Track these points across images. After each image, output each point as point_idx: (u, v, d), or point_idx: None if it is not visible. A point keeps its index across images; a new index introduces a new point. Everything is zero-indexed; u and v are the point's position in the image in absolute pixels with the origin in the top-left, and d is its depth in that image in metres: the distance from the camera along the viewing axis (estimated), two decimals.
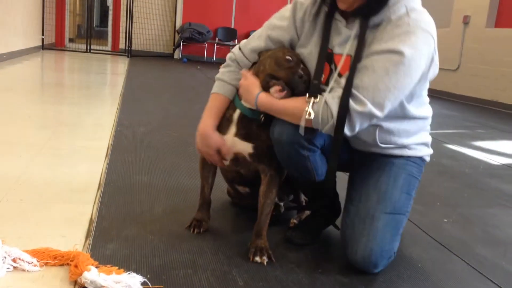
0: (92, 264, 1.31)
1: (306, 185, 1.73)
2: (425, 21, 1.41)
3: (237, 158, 1.59)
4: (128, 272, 1.30)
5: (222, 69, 1.68)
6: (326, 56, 1.52)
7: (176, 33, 11.62)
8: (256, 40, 1.64)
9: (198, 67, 9.68)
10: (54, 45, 10.41)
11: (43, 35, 9.60)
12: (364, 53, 1.43)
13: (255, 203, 1.64)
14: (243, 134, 1.56)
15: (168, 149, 2.81)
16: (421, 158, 1.66)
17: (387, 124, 1.52)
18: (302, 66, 1.51)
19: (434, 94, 8.19)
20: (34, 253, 1.36)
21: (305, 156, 1.50)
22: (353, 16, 1.46)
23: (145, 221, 1.73)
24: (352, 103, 1.37)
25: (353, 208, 1.55)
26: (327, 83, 1.52)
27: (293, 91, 1.46)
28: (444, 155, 3.50)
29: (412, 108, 1.55)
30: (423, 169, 1.67)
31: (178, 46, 11.59)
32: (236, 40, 11.92)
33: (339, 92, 1.40)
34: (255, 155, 1.57)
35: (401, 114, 1.52)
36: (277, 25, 1.63)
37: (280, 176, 1.62)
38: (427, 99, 1.63)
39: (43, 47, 9.58)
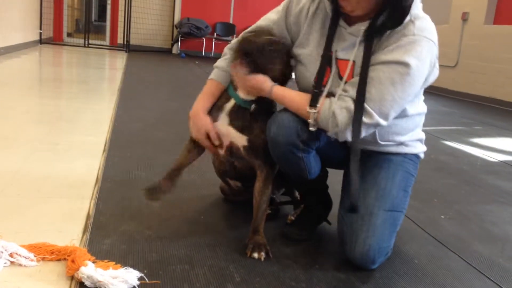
0: (89, 259, 1.31)
1: (298, 181, 1.74)
2: (429, 29, 1.42)
3: (232, 148, 1.60)
4: (125, 267, 1.31)
5: (220, 59, 1.72)
6: (329, 59, 1.53)
7: (175, 28, 11.59)
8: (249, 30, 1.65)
9: (196, 62, 9.66)
10: (52, 39, 10.37)
11: (41, 29, 9.55)
12: (370, 61, 1.43)
13: (249, 198, 1.65)
14: (237, 125, 1.56)
15: (166, 145, 2.81)
16: (416, 155, 1.68)
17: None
18: (266, 37, 1.49)
19: (432, 91, 8.19)
20: (31, 248, 1.36)
21: (299, 157, 1.51)
22: (371, 35, 1.44)
23: (143, 217, 1.73)
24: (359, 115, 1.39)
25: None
26: (325, 85, 1.53)
27: (256, 64, 1.47)
28: (442, 151, 3.50)
29: (411, 108, 1.57)
30: (418, 166, 1.68)
31: (177, 41, 11.56)
32: (235, 36, 11.89)
33: (347, 102, 1.41)
34: (250, 149, 1.57)
35: (401, 113, 1.53)
36: (268, 17, 1.65)
37: (274, 172, 1.63)
38: (422, 96, 1.64)
39: (41, 41, 9.55)
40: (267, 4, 11.87)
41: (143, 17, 11.03)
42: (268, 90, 1.49)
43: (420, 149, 1.68)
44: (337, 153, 1.64)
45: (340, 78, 1.49)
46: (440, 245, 1.79)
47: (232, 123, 1.56)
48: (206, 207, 1.90)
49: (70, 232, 1.55)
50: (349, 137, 1.42)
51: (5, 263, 1.29)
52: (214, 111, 1.60)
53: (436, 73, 1.50)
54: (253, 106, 1.54)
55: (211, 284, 1.33)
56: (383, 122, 1.41)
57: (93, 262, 1.30)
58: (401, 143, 1.61)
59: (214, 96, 1.63)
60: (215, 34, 11.76)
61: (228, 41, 11.87)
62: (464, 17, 8.06)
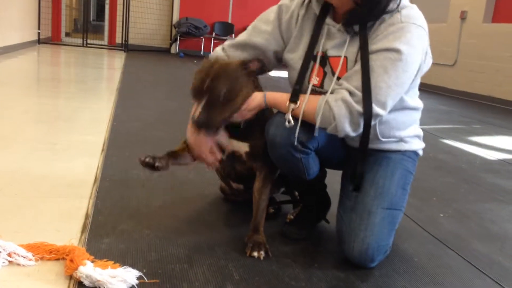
0: (88, 259, 1.31)
1: (296, 181, 1.74)
2: (416, 16, 1.42)
3: (234, 155, 1.60)
4: (124, 267, 1.30)
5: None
6: (320, 60, 1.53)
7: (173, 28, 11.58)
8: (239, 40, 1.67)
9: (195, 61, 9.65)
10: (51, 39, 10.36)
11: (39, 29, 9.53)
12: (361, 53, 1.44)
13: (249, 198, 1.65)
14: (237, 135, 1.56)
15: (165, 144, 2.80)
16: (415, 153, 1.67)
17: (386, 116, 1.52)
18: (199, 106, 1.43)
19: (431, 90, 8.20)
20: (30, 247, 1.35)
21: (298, 158, 1.51)
22: (349, 24, 1.45)
23: (141, 216, 1.73)
24: (354, 104, 1.38)
25: (349, 203, 1.55)
26: (321, 86, 1.54)
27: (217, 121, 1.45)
28: (441, 150, 3.50)
29: (409, 99, 1.56)
30: (416, 164, 1.68)
31: (175, 40, 11.55)
32: (233, 35, 11.89)
33: (342, 93, 1.39)
34: (251, 154, 1.58)
35: (399, 106, 1.53)
36: (262, 29, 1.63)
37: (274, 173, 1.63)
38: (418, 92, 1.64)
39: (39, 41, 9.53)
40: (265, 3, 11.88)
41: (142, 17, 11.02)
42: (263, 103, 1.50)
43: (418, 145, 1.68)
44: (336, 153, 1.64)
45: (333, 74, 1.50)
46: (440, 244, 1.79)
47: (232, 135, 1.57)
48: (206, 207, 1.89)
49: (69, 232, 1.54)
50: (348, 129, 1.39)
51: (3, 262, 1.29)
52: None
53: (429, 61, 1.50)
54: (242, 123, 1.54)
55: (210, 283, 1.33)
56: (380, 111, 1.39)
57: (92, 262, 1.30)
58: (401, 139, 1.61)
59: None
60: (214, 33, 11.75)
61: (226, 40, 11.88)
62: (463, 16, 8.06)
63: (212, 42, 11.83)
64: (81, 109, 3.59)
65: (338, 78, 1.48)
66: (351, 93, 1.38)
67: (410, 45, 1.38)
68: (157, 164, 1.47)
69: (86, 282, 1.23)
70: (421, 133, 1.70)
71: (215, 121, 1.41)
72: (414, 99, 1.60)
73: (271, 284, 1.36)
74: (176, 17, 11.55)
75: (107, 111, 3.62)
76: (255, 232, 1.57)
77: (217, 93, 1.40)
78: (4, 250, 1.31)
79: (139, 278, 1.28)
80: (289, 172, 1.60)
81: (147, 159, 1.46)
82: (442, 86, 8.29)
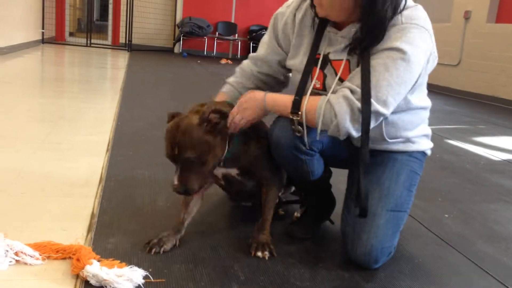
0: (94, 258, 1.31)
1: (301, 181, 1.74)
2: (418, 17, 1.40)
3: (227, 177, 1.60)
4: (130, 266, 1.31)
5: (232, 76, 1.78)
6: (322, 62, 1.52)
7: (176, 27, 11.59)
8: (253, 54, 1.73)
9: (198, 61, 9.66)
10: (54, 39, 10.39)
11: (43, 29, 9.57)
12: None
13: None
14: (223, 165, 1.54)
15: None
16: (423, 153, 1.66)
17: (392, 117, 1.51)
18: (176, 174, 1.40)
19: (435, 90, 8.18)
20: (36, 246, 1.36)
21: (302, 160, 1.51)
22: (354, 49, 1.43)
23: (146, 215, 1.73)
24: (356, 101, 1.35)
25: (354, 203, 1.54)
26: (324, 89, 1.54)
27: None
28: (445, 150, 3.50)
29: (415, 99, 1.54)
30: (423, 164, 1.67)
31: (178, 40, 11.57)
32: (236, 35, 11.89)
33: (343, 91, 1.37)
34: (243, 174, 1.57)
35: (404, 106, 1.52)
36: (264, 40, 1.68)
37: (279, 177, 1.63)
38: (426, 91, 1.62)
39: (43, 41, 9.56)
40: (269, 3, 11.88)
41: (145, 17, 11.04)
42: (264, 105, 1.48)
43: (426, 145, 1.66)
44: (341, 153, 1.63)
45: (341, 80, 1.49)
46: (444, 244, 1.79)
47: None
48: (210, 207, 1.90)
49: (75, 231, 1.55)
50: (349, 126, 1.35)
51: (10, 261, 1.30)
52: None
53: (435, 61, 1.48)
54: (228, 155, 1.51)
55: (215, 283, 1.33)
56: (382, 109, 1.36)
57: (98, 261, 1.30)
58: (408, 139, 1.60)
59: None
60: (217, 33, 11.76)
61: (229, 40, 11.90)
62: (467, 16, 8.04)
63: (215, 41, 11.83)
64: (85, 108, 3.60)
65: (341, 80, 1.48)
66: (352, 91, 1.36)
67: (412, 44, 1.37)
68: (163, 249, 1.47)
69: (92, 281, 1.23)
70: (429, 132, 1.68)
71: (193, 187, 1.40)
72: (421, 99, 1.58)
73: (276, 284, 1.36)
74: (179, 17, 11.56)
75: (111, 110, 3.63)
76: (260, 231, 1.57)
77: (188, 160, 1.38)
78: (11, 249, 1.31)
79: (145, 277, 1.28)
80: (293, 173, 1.60)
81: (153, 249, 1.46)
82: (446, 86, 8.27)
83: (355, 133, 1.37)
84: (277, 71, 1.69)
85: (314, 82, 1.54)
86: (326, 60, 1.52)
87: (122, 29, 11.01)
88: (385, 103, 1.36)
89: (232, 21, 11.94)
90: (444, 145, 3.69)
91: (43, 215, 1.65)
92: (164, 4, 11.59)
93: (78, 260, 1.29)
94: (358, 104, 1.34)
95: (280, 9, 1.63)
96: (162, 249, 1.46)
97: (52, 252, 1.35)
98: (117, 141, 2.73)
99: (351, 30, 1.44)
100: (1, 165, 2.12)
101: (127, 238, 1.54)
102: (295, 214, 1.84)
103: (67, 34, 11.06)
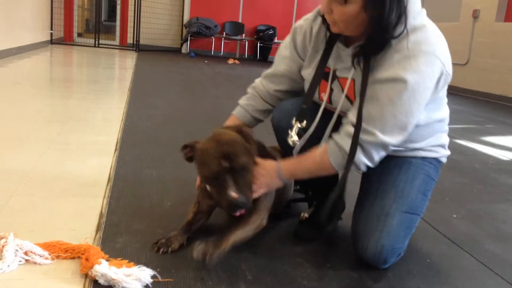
0: (103, 258, 1.32)
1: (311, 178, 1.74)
2: (427, 41, 1.33)
3: None
4: (138, 266, 1.31)
5: (244, 96, 1.79)
6: (327, 75, 1.53)
7: (184, 28, 11.62)
8: (268, 72, 1.74)
9: (206, 61, 9.68)
10: (63, 39, 10.45)
11: (51, 29, 9.63)
12: (368, 79, 1.41)
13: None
14: None
15: (176, 143, 2.81)
16: (437, 160, 1.63)
17: None
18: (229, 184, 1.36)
19: None
20: (46, 246, 1.37)
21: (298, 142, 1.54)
22: (357, 57, 1.41)
23: (155, 215, 1.74)
24: (362, 135, 1.37)
25: (367, 203, 1.54)
26: (330, 102, 1.55)
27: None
28: (454, 150, 3.48)
29: (425, 116, 1.50)
30: (439, 171, 1.65)
31: (186, 40, 11.60)
32: (244, 35, 11.90)
33: (347, 128, 1.40)
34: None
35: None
36: (283, 55, 1.68)
37: (267, 213, 1.59)
38: (445, 100, 1.57)
39: (51, 41, 9.62)
40: (276, 3, 11.88)
41: (153, 17, 11.08)
42: (280, 181, 1.51)
43: (441, 153, 1.63)
44: None
45: (347, 98, 1.50)
46: (453, 244, 1.78)
47: None
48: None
49: (84, 231, 1.56)
50: (365, 160, 1.40)
51: (20, 261, 1.31)
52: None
53: (447, 79, 1.43)
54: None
55: (223, 282, 1.33)
56: (389, 140, 1.37)
57: (107, 260, 1.31)
58: (417, 149, 1.58)
59: None
60: (224, 33, 11.78)
61: (237, 40, 11.90)
62: (475, 15, 8.00)
63: (223, 41, 11.85)
64: (93, 109, 3.62)
65: (347, 97, 1.48)
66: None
67: (417, 73, 1.32)
68: (170, 249, 1.47)
69: (101, 281, 1.24)
70: (445, 141, 1.64)
71: (251, 197, 1.41)
72: (435, 112, 1.53)
73: (284, 284, 1.36)
74: (186, 17, 11.59)
75: (119, 111, 3.64)
76: (215, 243, 1.40)
77: (242, 169, 1.37)
78: (20, 249, 1.33)
79: (153, 277, 1.29)
80: None
81: (161, 249, 1.46)
82: (455, 85, 8.23)
83: (371, 164, 1.42)
84: (299, 82, 1.68)
85: (322, 96, 1.56)
86: (334, 76, 1.52)
87: (130, 30, 11.06)
88: (391, 133, 1.37)
89: (240, 21, 11.95)
90: (453, 144, 3.68)
91: (52, 215, 1.66)
92: (172, 4, 11.63)
93: (87, 259, 1.30)
94: (364, 138, 1.37)
95: (299, 22, 1.63)
96: (170, 249, 1.47)
97: (61, 251, 1.37)
98: (125, 141, 2.74)
99: (356, 48, 1.42)
100: (10, 166, 2.14)
101: (135, 237, 1.54)
102: (303, 214, 1.84)
103: (75, 34, 11.12)
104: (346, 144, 1.39)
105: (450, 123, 1.65)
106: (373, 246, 1.46)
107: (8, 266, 1.28)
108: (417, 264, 1.58)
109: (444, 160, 1.66)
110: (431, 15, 1.43)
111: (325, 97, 1.56)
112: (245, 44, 12.02)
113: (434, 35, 1.36)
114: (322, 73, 1.53)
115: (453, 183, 2.62)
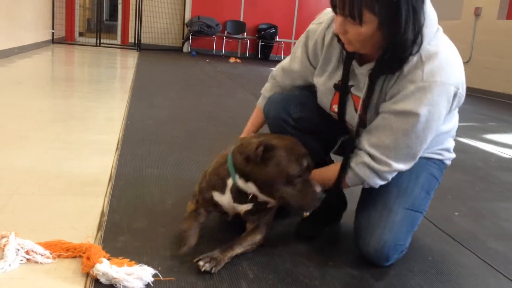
0: (104, 256, 1.32)
1: None
2: (441, 70, 1.32)
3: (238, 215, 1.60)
4: (140, 264, 1.31)
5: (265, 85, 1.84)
6: (339, 87, 1.52)
7: (185, 27, 11.62)
8: (284, 65, 1.74)
9: (207, 60, 9.68)
10: (64, 39, 10.46)
11: (53, 29, 9.64)
12: (380, 105, 1.42)
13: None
14: (240, 198, 1.52)
15: (178, 142, 2.82)
16: (441, 161, 1.64)
17: None
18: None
19: None
20: (47, 245, 1.37)
21: (290, 133, 1.56)
22: (374, 76, 1.40)
23: (156, 214, 1.74)
24: (376, 165, 1.41)
25: (371, 199, 1.54)
26: (341, 114, 1.54)
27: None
28: (455, 148, 3.45)
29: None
30: (443, 172, 1.66)
31: (187, 39, 11.60)
32: (245, 33, 11.90)
33: (362, 156, 1.44)
34: (251, 212, 1.54)
35: None
36: (296, 54, 1.67)
37: (267, 228, 1.57)
38: (455, 113, 1.60)
39: (53, 41, 9.63)
40: (277, 2, 11.86)
41: (154, 16, 11.08)
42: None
43: (445, 156, 1.65)
44: (333, 130, 1.65)
45: (356, 111, 1.50)
46: (454, 242, 1.78)
47: (235, 199, 1.52)
48: None
49: (85, 230, 1.56)
50: (380, 182, 1.46)
51: (21, 260, 1.31)
52: (217, 182, 1.55)
53: (461, 100, 1.43)
54: (251, 194, 1.49)
55: (225, 281, 1.33)
56: (403, 166, 1.43)
57: (108, 259, 1.31)
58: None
59: (254, 126, 1.81)
60: (226, 32, 11.77)
61: (238, 39, 11.90)
62: (477, 12, 7.98)
63: (224, 40, 11.85)
64: (95, 108, 3.62)
65: (360, 116, 1.47)
66: (370, 155, 1.42)
67: (432, 105, 1.32)
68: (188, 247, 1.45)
69: (102, 280, 1.24)
70: (450, 145, 1.66)
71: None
72: (445, 125, 1.54)
73: (285, 282, 1.36)
74: (188, 16, 11.60)
75: (120, 110, 3.64)
76: (222, 251, 1.43)
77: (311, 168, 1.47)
78: (22, 248, 1.33)
79: (154, 276, 1.29)
80: None
81: (183, 249, 1.43)
82: None
83: (386, 182, 1.48)
84: (310, 81, 1.68)
85: (334, 107, 1.57)
86: (348, 90, 1.51)
87: (131, 29, 11.07)
88: (405, 161, 1.43)
89: (241, 19, 11.95)
90: (455, 142, 3.66)
91: (54, 214, 1.66)
92: (173, 3, 11.63)
93: (88, 258, 1.30)
94: (379, 167, 1.42)
95: (312, 25, 1.60)
96: (187, 246, 1.44)
97: (63, 250, 1.37)
98: (126, 140, 2.75)
99: (368, 69, 1.41)
100: (12, 165, 2.14)
101: (136, 236, 1.55)
102: (304, 212, 1.84)
103: (76, 34, 11.13)
104: (365, 174, 1.45)
105: None
106: (375, 241, 1.46)
107: (10, 265, 1.28)
108: (418, 262, 1.58)
109: (448, 162, 1.67)
110: None
111: (336, 108, 1.55)
112: (247, 43, 12.01)
113: (448, 61, 1.35)
114: (338, 87, 1.52)
115: (455, 181, 2.62)
